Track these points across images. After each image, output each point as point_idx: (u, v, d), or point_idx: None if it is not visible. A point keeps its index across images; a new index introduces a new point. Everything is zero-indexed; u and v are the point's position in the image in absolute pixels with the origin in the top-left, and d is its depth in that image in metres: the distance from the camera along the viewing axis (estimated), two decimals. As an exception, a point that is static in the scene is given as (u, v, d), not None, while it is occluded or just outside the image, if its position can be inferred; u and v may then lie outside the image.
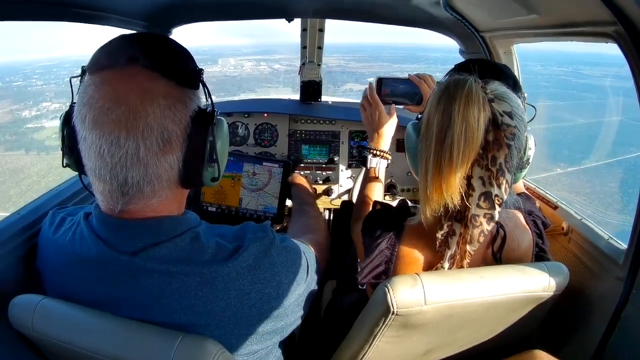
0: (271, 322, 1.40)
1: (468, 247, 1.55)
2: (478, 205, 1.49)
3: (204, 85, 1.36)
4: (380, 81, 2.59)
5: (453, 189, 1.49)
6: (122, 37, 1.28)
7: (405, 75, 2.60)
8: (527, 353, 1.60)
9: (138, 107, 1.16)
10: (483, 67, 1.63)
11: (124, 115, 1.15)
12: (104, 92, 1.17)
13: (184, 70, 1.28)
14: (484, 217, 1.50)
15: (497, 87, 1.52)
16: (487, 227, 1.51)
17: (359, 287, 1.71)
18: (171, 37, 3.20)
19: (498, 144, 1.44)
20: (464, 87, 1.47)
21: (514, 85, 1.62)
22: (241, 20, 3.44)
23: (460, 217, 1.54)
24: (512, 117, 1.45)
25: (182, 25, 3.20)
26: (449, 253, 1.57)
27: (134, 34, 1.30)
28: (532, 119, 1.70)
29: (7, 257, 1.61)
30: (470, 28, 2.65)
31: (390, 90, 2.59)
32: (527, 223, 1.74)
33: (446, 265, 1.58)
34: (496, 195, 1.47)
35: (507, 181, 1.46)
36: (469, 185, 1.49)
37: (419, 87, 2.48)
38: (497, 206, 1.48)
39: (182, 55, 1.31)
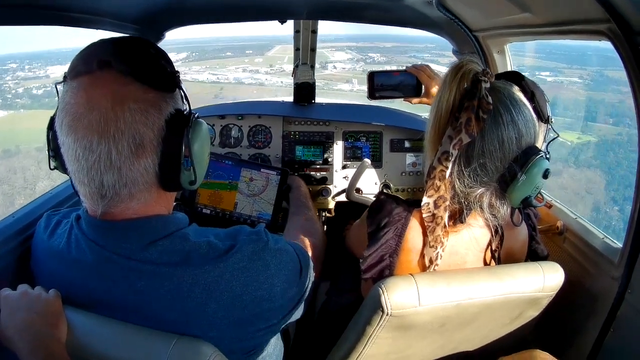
0: (264, 321, 1.40)
1: (428, 199, 1.57)
2: (438, 159, 1.54)
3: (180, 88, 1.35)
4: (372, 76, 2.59)
5: (432, 147, 1.60)
6: (98, 43, 1.29)
7: (397, 68, 2.60)
8: (527, 352, 1.60)
9: (109, 112, 1.17)
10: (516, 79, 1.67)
11: (95, 120, 1.16)
12: (78, 98, 1.18)
13: (158, 74, 1.28)
14: (439, 172, 1.53)
15: (502, 84, 1.56)
16: (438, 182, 1.54)
17: (361, 277, 1.70)
18: (164, 40, 3.22)
19: (466, 109, 1.47)
20: (456, 64, 1.54)
21: (537, 109, 1.62)
22: (234, 23, 3.44)
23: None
24: (498, 104, 1.48)
25: (175, 28, 3.20)
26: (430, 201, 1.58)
27: (110, 38, 1.31)
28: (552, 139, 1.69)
29: (2, 260, 1.61)
30: (463, 27, 2.65)
31: (383, 84, 2.59)
32: (521, 217, 1.74)
33: (439, 231, 1.58)
34: (446, 152, 1.51)
35: (461, 140, 1.47)
36: (441, 143, 1.54)
37: (418, 77, 2.48)
38: (449, 163, 1.50)
39: (157, 59, 1.30)
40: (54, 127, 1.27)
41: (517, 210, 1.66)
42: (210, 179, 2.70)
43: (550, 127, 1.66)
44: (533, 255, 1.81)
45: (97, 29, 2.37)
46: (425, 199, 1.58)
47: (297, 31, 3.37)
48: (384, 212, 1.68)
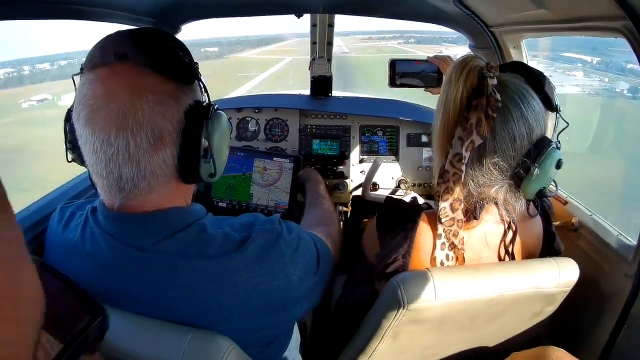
0: (281, 312, 1.41)
1: (444, 203, 1.56)
2: (450, 162, 1.52)
3: (199, 80, 1.35)
4: (394, 63, 2.61)
5: (441, 149, 1.58)
6: (115, 34, 1.28)
7: (419, 57, 2.62)
8: (540, 349, 1.60)
9: (127, 104, 1.17)
10: (519, 69, 1.66)
11: (113, 113, 1.16)
12: (95, 90, 1.19)
13: (177, 65, 1.27)
14: (453, 175, 1.52)
15: (509, 77, 1.54)
16: (453, 186, 1.53)
17: (375, 280, 1.72)
18: (180, 33, 3.24)
19: (475, 108, 1.45)
20: (460, 61, 1.52)
21: (545, 99, 1.60)
22: (250, 17, 3.45)
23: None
24: (506, 100, 1.47)
25: (191, 22, 3.21)
26: (444, 207, 1.58)
27: (127, 30, 1.30)
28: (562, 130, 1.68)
29: None
30: (479, 23, 2.64)
31: (404, 73, 2.61)
32: (537, 210, 1.74)
33: (461, 234, 1.60)
34: (458, 154, 1.50)
35: (472, 142, 1.47)
36: (451, 145, 1.52)
37: (439, 67, 2.49)
38: (462, 165, 1.50)
39: (176, 50, 1.29)
40: (71, 119, 1.27)
41: (532, 202, 1.67)
42: (224, 172, 2.73)
43: (559, 115, 1.66)
44: (548, 248, 1.81)
45: (112, 22, 2.39)
46: (441, 204, 1.57)
47: (313, 25, 3.37)
48: (393, 217, 1.70)
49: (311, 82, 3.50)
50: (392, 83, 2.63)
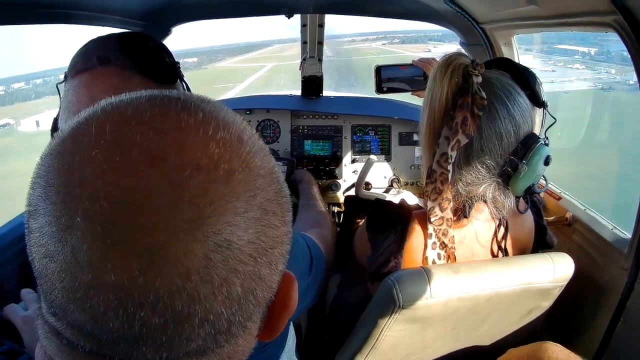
0: None
1: (433, 203, 1.56)
2: (437, 162, 1.52)
3: (182, 80, 1.34)
4: (379, 70, 2.61)
5: (428, 148, 1.58)
6: (97, 39, 1.27)
7: (404, 62, 2.61)
8: (537, 344, 1.60)
9: None
10: (507, 66, 1.65)
11: None
12: (80, 96, 1.17)
13: (159, 66, 1.26)
14: (440, 175, 1.52)
15: (494, 74, 1.54)
16: (440, 186, 1.52)
17: (368, 282, 1.72)
18: (170, 36, 3.22)
19: (460, 107, 1.45)
20: (445, 59, 1.52)
21: (532, 95, 1.60)
22: (240, 18, 3.44)
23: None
24: (492, 98, 1.47)
25: (181, 24, 3.19)
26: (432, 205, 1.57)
27: (108, 34, 1.30)
28: (550, 125, 1.68)
29: (11, 262, 1.60)
30: (470, 20, 2.64)
31: (390, 78, 2.61)
32: (527, 205, 1.74)
33: (452, 232, 1.59)
34: (444, 153, 1.50)
35: (458, 141, 1.46)
36: (437, 144, 1.52)
37: (425, 70, 2.49)
38: (449, 165, 1.49)
39: (158, 51, 1.29)
40: (57, 128, 1.26)
41: (521, 197, 1.67)
42: None
43: (546, 111, 1.66)
44: (540, 242, 1.81)
45: (101, 25, 2.37)
46: (430, 204, 1.57)
47: (304, 25, 3.36)
48: (382, 219, 1.70)
49: (302, 82, 3.49)
50: (379, 89, 2.65)
